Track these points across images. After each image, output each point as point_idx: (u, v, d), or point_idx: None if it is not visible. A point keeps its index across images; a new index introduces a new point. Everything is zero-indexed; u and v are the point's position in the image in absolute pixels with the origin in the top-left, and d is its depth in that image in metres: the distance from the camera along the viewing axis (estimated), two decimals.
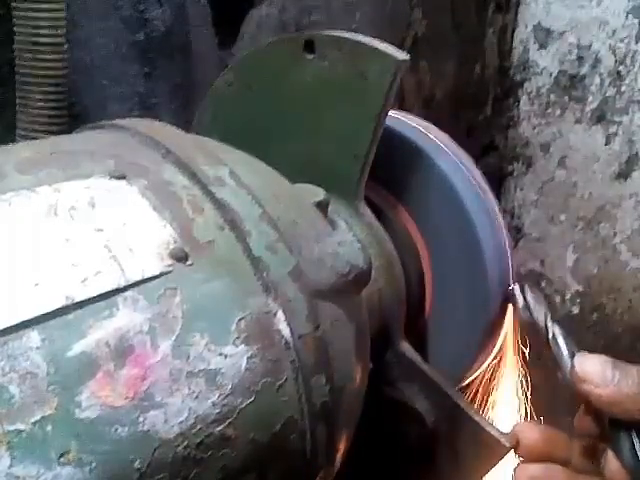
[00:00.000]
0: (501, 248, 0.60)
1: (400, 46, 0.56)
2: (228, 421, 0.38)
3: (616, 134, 1.27)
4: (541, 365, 0.59)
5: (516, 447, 0.53)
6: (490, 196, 0.62)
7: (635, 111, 1.25)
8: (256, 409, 0.39)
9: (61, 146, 0.46)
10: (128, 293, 0.37)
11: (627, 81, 1.24)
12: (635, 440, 0.47)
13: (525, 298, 0.56)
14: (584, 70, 1.28)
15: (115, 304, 0.36)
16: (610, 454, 0.49)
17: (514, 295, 0.57)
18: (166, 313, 0.37)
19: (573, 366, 0.49)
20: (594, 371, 0.47)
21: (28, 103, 0.65)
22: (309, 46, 0.58)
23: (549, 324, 0.53)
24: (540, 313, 0.54)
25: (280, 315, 0.41)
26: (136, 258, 0.38)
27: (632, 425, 0.47)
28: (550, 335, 0.53)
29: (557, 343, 0.52)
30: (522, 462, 0.52)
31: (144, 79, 0.77)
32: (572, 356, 0.51)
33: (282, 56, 0.60)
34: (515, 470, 0.52)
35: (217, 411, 0.38)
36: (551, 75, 1.32)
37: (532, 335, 0.55)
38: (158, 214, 0.41)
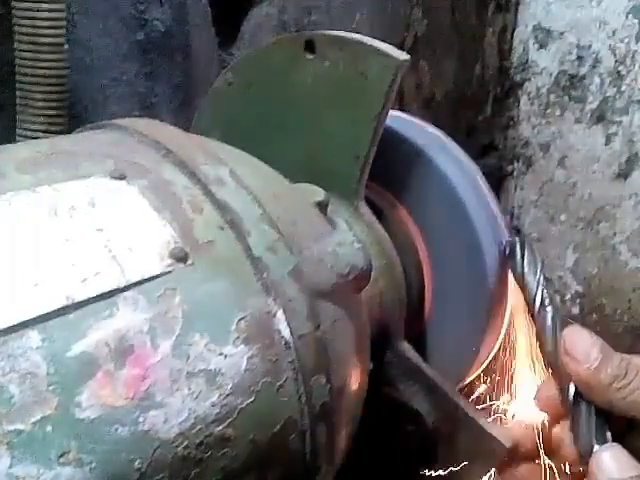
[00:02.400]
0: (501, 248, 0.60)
1: (400, 46, 0.56)
2: (228, 421, 0.38)
3: (616, 134, 1.27)
4: None
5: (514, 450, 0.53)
6: (490, 196, 0.61)
7: (635, 111, 1.25)
8: (256, 409, 0.39)
9: (61, 146, 0.46)
10: (128, 293, 0.37)
11: (627, 81, 1.25)
12: (592, 416, 0.47)
13: (523, 255, 0.54)
14: (584, 70, 1.28)
15: (115, 304, 0.36)
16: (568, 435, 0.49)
17: (512, 248, 0.55)
18: (166, 313, 0.37)
19: (562, 336, 0.49)
20: (581, 347, 0.48)
21: (28, 103, 0.65)
22: (309, 46, 0.58)
23: (539, 289, 0.52)
24: (532, 275, 0.53)
25: (280, 315, 0.41)
26: (136, 258, 0.38)
27: (594, 405, 0.48)
28: (538, 300, 0.52)
29: (544, 310, 0.51)
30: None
31: (144, 79, 0.77)
32: (555, 327, 0.50)
33: (282, 56, 0.60)
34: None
35: (217, 411, 0.38)
36: (551, 75, 1.32)
37: (521, 293, 0.54)
38: (158, 214, 0.41)
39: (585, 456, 0.47)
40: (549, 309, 0.51)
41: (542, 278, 0.53)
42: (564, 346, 0.49)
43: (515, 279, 0.55)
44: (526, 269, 0.54)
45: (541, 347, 0.51)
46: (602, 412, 0.48)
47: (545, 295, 0.52)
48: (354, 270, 0.46)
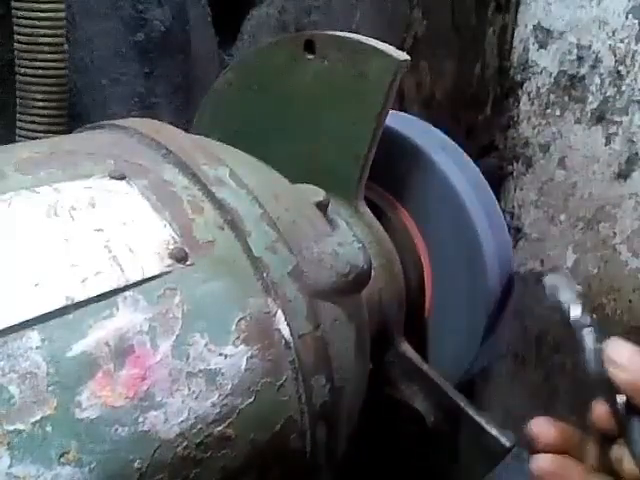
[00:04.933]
0: (501, 248, 0.60)
1: (400, 46, 0.56)
2: (228, 421, 0.38)
3: (616, 134, 1.27)
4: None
5: (534, 441, 0.52)
6: (490, 196, 0.62)
7: (635, 111, 1.25)
8: (256, 409, 0.39)
9: (61, 146, 0.46)
10: (128, 293, 0.37)
11: (627, 81, 1.24)
12: None
13: (555, 282, 0.55)
14: (584, 70, 1.28)
15: (115, 304, 0.36)
16: (627, 453, 0.49)
17: (544, 282, 0.56)
18: (166, 313, 0.37)
19: (604, 349, 0.49)
20: (624, 355, 0.48)
21: (28, 103, 0.65)
22: (309, 46, 0.58)
23: (575, 307, 0.53)
24: (567, 296, 0.54)
25: (280, 315, 0.41)
26: (136, 258, 0.38)
27: None
28: (576, 318, 0.52)
29: (582, 327, 0.51)
30: (537, 454, 0.52)
31: (144, 79, 0.77)
32: (597, 341, 0.50)
33: (282, 56, 0.60)
34: (530, 462, 0.52)
35: (217, 411, 0.38)
36: (551, 75, 1.32)
37: (559, 319, 0.55)
38: (158, 214, 0.41)
39: None
40: (589, 329, 0.51)
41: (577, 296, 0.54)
42: (608, 356, 0.49)
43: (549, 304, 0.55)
44: (560, 290, 0.54)
45: (585, 371, 0.51)
46: None
47: (587, 318, 0.52)
48: (354, 270, 0.46)
